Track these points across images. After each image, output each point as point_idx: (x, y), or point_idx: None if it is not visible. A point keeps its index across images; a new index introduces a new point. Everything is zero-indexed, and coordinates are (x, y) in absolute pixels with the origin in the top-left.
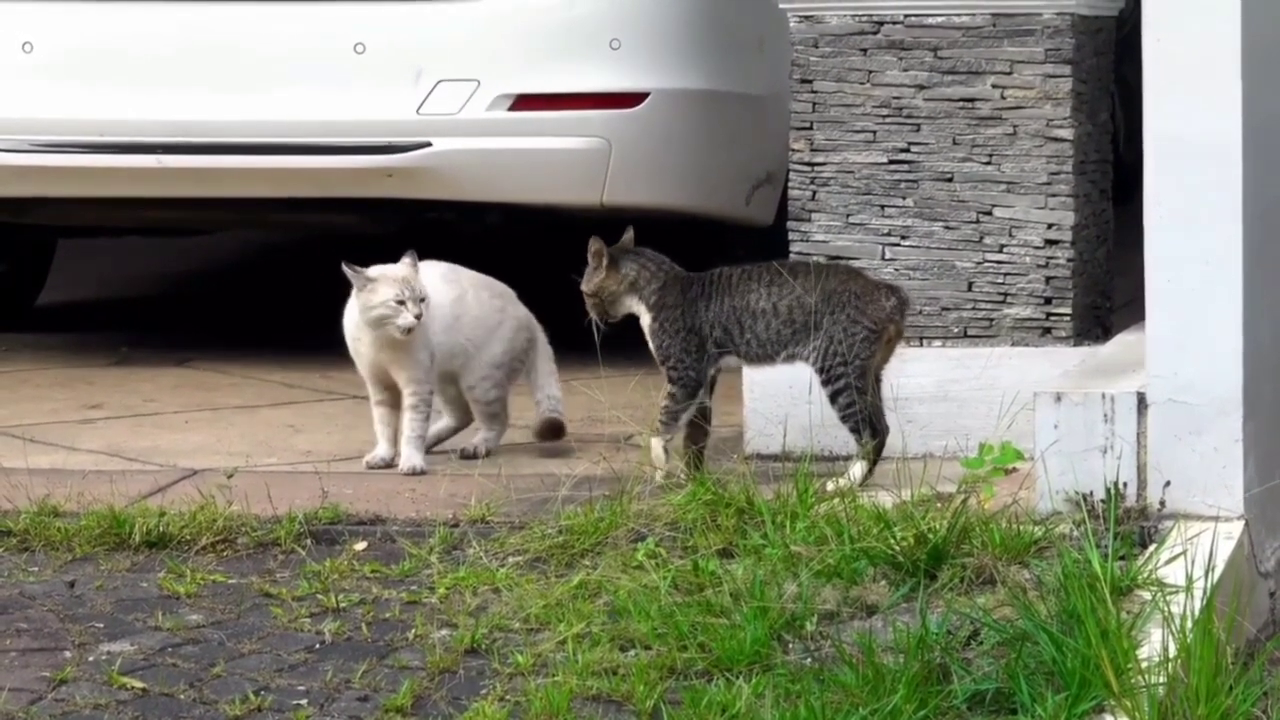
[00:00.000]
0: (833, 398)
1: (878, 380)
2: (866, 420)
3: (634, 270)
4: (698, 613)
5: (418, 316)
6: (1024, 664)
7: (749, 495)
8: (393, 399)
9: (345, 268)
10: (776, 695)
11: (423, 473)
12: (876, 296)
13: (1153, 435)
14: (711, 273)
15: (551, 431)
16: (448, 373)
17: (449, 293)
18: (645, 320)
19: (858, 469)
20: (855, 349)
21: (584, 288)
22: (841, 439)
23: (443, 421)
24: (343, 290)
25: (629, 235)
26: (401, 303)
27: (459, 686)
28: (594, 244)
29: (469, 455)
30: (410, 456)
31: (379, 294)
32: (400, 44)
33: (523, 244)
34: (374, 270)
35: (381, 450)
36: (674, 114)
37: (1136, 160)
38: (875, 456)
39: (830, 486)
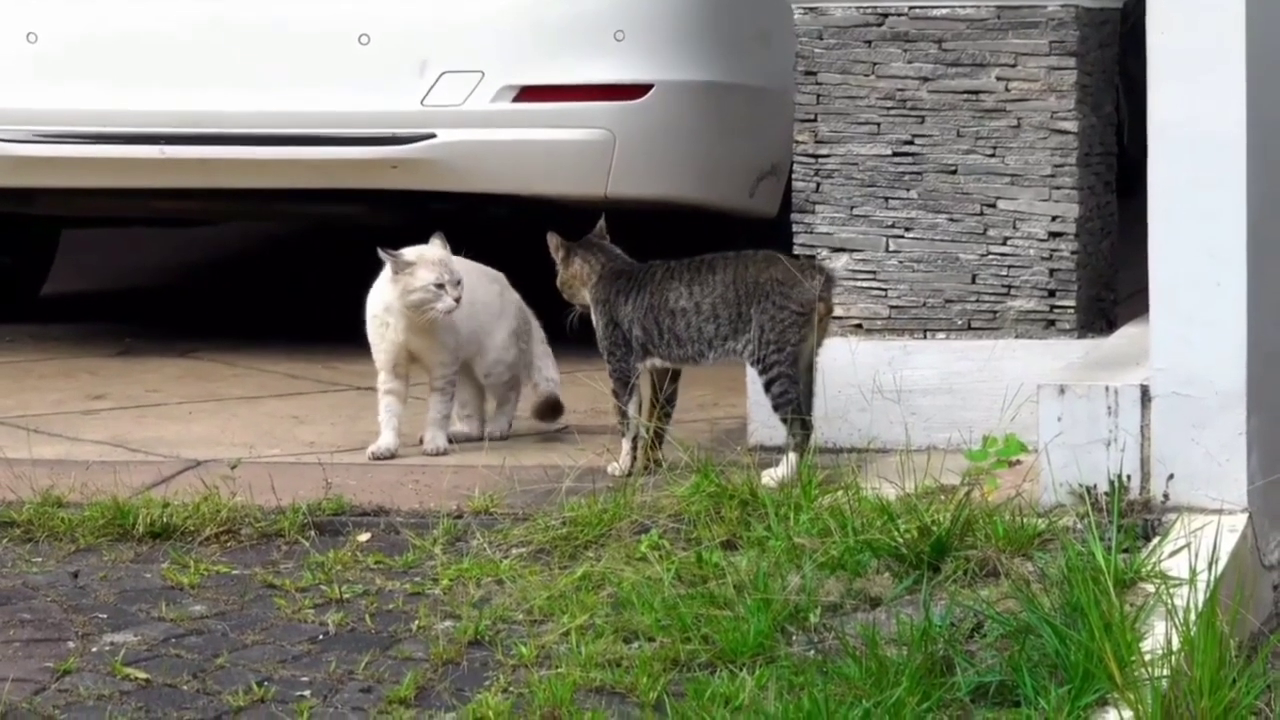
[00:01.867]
0: (767, 386)
1: (810, 368)
2: (799, 410)
3: (579, 263)
4: (701, 604)
5: (457, 299)
6: (1027, 656)
7: (752, 487)
8: (402, 389)
9: (381, 252)
10: (780, 687)
11: (446, 453)
12: (802, 279)
13: (1156, 428)
14: (640, 267)
15: (550, 409)
16: (463, 364)
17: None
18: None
19: (793, 459)
20: (786, 335)
21: (557, 282)
22: (845, 431)
23: (459, 428)
24: (348, 279)
25: (600, 225)
26: (441, 286)
27: (462, 678)
28: (551, 239)
29: (488, 437)
30: (435, 438)
31: (418, 278)
32: (405, 35)
33: (526, 235)
34: (410, 253)
35: (386, 440)
36: (678, 106)
37: (1140, 153)
38: (802, 449)
39: (770, 482)
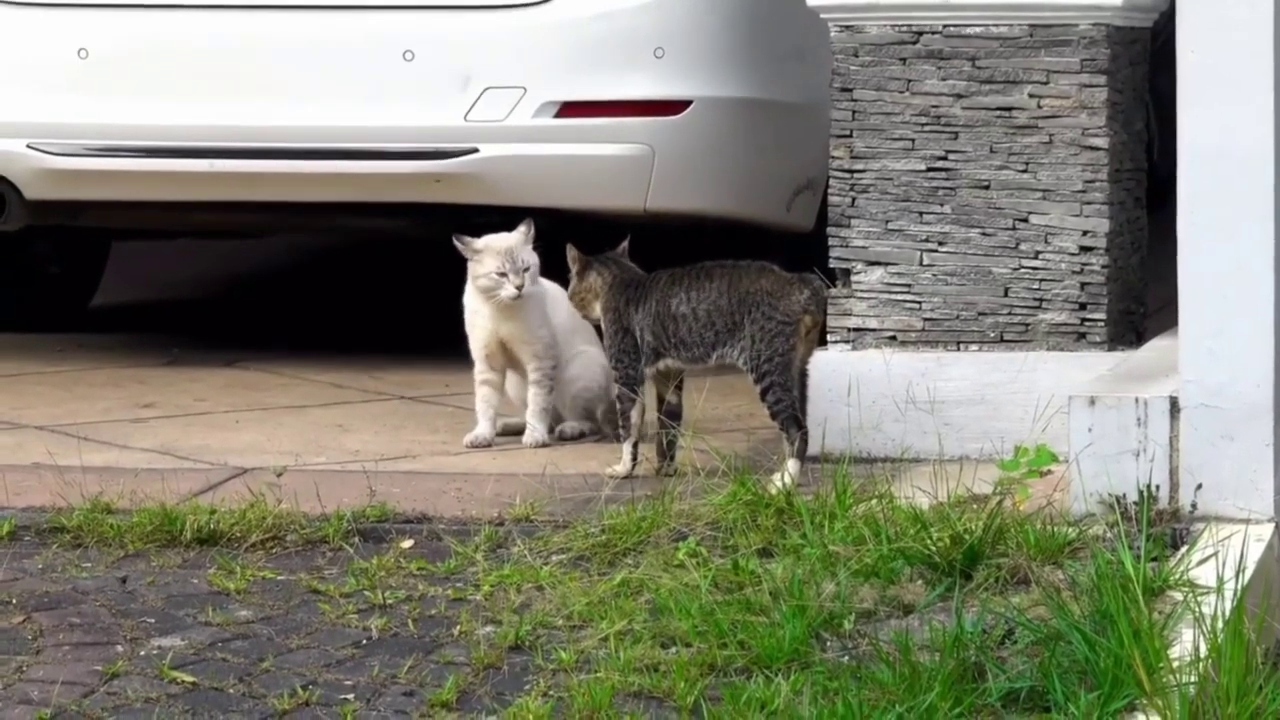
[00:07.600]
0: (762, 395)
1: (803, 374)
2: (793, 417)
3: (594, 275)
4: (738, 611)
5: (519, 287)
6: (1058, 663)
7: (788, 496)
8: (498, 380)
9: (456, 240)
10: (814, 692)
11: (546, 444)
12: (789, 291)
13: (1185, 439)
14: (649, 275)
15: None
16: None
17: (569, 306)
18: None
19: (792, 466)
20: (774, 345)
21: (568, 292)
22: (879, 441)
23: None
24: (392, 290)
25: (623, 245)
26: (503, 274)
27: (503, 682)
28: (570, 251)
29: (567, 436)
30: (534, 430)
31: (484, 265)
32: (448, 51)
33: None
34: (481, 241)
35: (482, 430)
36: (716, 121)
37: (1170, 169)
38: (802, 455)
39: (772, 489)
